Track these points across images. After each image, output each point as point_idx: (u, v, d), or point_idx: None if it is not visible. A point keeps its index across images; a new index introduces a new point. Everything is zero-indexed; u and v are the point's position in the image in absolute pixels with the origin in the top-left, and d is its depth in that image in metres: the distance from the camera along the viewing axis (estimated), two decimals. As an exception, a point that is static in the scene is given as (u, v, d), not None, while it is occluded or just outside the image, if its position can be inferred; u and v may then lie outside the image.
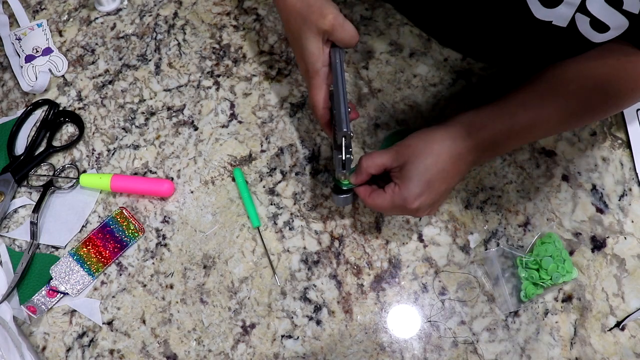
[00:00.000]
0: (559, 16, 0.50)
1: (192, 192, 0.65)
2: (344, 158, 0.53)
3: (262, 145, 0.67)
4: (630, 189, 0.63)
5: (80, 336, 0.60)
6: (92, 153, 0.68)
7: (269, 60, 0.72)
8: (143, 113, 0.70)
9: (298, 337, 0.58)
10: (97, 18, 0.77)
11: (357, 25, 0.73)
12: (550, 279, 0.56)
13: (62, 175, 0.67)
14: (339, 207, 0.63)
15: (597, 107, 0.54)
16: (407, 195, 0.51)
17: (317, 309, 0.59)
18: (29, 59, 0.74)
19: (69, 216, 0.65)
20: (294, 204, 0.64)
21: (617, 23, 0.48)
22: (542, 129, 0.55)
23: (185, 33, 0.74)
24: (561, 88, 0.53)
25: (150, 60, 0.73)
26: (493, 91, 0.68)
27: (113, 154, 0.68)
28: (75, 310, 0.61)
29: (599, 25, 0.49)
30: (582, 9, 0.48)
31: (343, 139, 0.52)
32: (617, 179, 0.64)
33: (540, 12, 0.51)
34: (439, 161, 0.51)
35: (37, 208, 0.64)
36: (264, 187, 0.65)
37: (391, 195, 0.52)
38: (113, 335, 0.60)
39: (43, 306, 0.60)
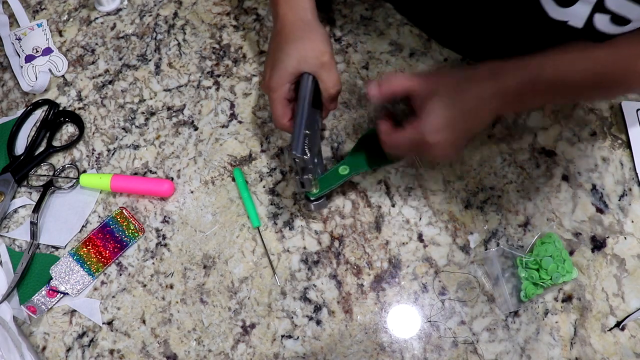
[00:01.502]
0: (575, 15, 0.48)
1: (192, 192, 0.65)
2: (301, 178, 0.54)
3: (262, 145, 0.67)
4: (630, 189, 0.63)
5: (80, 336, 0.60)
6: (92, 153, 0.68)
7: (269, 60, 0.72)
8: (143, 113, 0.70)
9: (298, 337, 0.58)
10: (97, 18, 0.77)
11: (357, 25, 0.73)
12: (550, 279, 0.56)
13: (62, 175, 0.67)
14: (339, 207, 0.63)
15: (622, 67, 0.51)
16: (428, 129, 0.48)
17: (317, 309, 0.59)
18: (29, 59, 0.74)
19: (69, 216, 0.65)
20: (294, 204, 0.64)
21: (638, 14, 0.46)
22: (569, 88, 0.52)
23: (185, 33, 0.74)
24: (592, 53, 0.51)
25: (150, 60, 0.73)
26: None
27: (113, 154, 0.68)
28: (75, 310, 0.61)
29: (619, 20, 0.47)
30: (600, 7, 0.47)
31: (295, 161, 0.51)
32: (617, 179, 0.64)
33: (555, 12, 0.49)
34: (464, 99, 0.49)
35: (37, 208, 0.64)
36: (264, 187, 0.65)
37: (410, 131, 0.50)
38: (113, 335, 0.60)
39: (43, 306, 0.60)
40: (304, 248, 0.62)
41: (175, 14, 0.76)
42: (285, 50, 0.55)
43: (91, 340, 0.60)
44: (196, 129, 0.69)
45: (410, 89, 0.51)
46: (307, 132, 0.52)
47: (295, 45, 0.54)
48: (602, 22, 0.48)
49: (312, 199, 0.57)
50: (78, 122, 0.69)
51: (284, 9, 0.57)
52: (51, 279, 0.61)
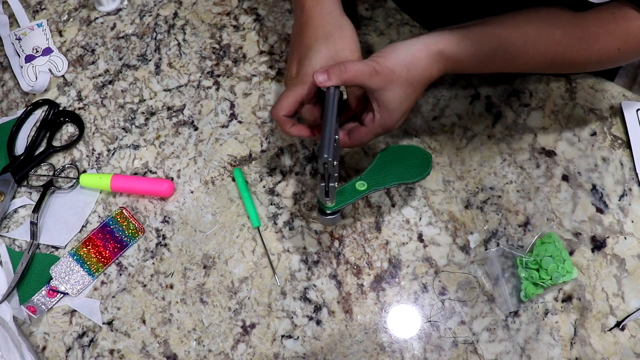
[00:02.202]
0: None
1: (192, 192, 0.65)
2: (327, 187, 0.51)
3: (262, 145, 0.67)
4: (630, 189, 0.63)
5: (80, 336, 0.60)
6: (92, 153, 0.68)
7: (269, 60, 0.72)
8: (143, 113, 0.70)
9: (298, 337, 0.58)
10: (97, 18, 0.77)
11: (357, 25, 0.73)
12: (550, 279, 0.56)
13: (62, 175, 0.67)
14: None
15: (580, 48, 0.53)
16: (389, 124, 0.53)
17: (317, 309, 0.59)
18: (29, 59, 0.74)
19: (69, 216, 0.65)
20: (294, 204, 0.64)
21: None
22: (522, 65, 0.55)
23: (185, 33, 0.74)
24: (549, 18, 0.53)
25: (150, 60, 0.73)
26: (492, 91, 0.68)
27: (113, 154, 0.68)
28: (75, 310, 0.61)
29: None
30: None
31: (324, 166, 0.49)
32: (617, 179, 0.64)
33: None
34: (417, 89, 0.53)
35: (37, 208, 0.64)
36: (264, 187, 0.65)
37: (376, 128, 0.54)
38: (113, 335, 0.60)
39: (43, 306, 0.60)
40: (304, 248, 0.62)
41: (175, 14, 0.76)
42: (315, 47, 0.53)
43: (91, 340, 0.60)
44: (196, 129, 0.69)
45: (361, 82, 0.51)
46: (336, 137, 0.51)
47: (326, 42, 0.53)
48: None
49: (328, 212, 0.54)
50: (78, 122, 0.69)
51: (310, 1, 0.55)
52: (51, 279, 0.61)
